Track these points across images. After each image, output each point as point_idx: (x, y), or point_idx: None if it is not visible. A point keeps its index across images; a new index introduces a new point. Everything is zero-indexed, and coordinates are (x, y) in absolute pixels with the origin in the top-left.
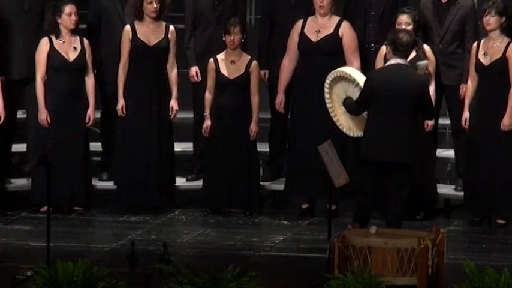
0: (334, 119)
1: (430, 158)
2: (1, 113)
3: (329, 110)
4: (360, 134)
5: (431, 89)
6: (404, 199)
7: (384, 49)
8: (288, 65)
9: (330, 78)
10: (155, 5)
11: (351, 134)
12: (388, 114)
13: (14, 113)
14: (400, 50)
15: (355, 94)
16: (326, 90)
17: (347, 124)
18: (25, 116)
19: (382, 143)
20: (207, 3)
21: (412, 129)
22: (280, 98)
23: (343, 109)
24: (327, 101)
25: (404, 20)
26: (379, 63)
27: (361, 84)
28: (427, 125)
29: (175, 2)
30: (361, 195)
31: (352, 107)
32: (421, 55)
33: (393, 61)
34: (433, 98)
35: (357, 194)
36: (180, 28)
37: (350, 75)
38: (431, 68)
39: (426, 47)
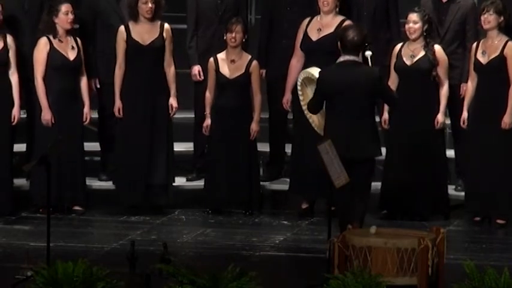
0: (310, 120)
1: (440, 158)
2: (15, 114)
3: (303, 109)
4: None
5: (443, 90)
6: (367, 196)
7: (397, 47)
8: (296, 64)
9: (300, 79)
10: (150, 5)
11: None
12: (343, 110)
13: None
14: (347, 46)
15: None
16: (299, 92)
17: (320, 124)
18: (26, 116)
19: (343, 139)
20: (209, 2)
21: (370, 122)
22: (287, 97)
23: None
24: (302, 103)
25: (412, 19)
26: (392, 63)
27: None
28: (437, 123)
29: (178, 2)
30: (336, 196)
31: (310, 107)
32: (430, 56)
33: (342, 58)
34: (444, 99)
35: (333, 196)
36: (182, 28)
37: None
38: (444, 68)
39: (437, 47)
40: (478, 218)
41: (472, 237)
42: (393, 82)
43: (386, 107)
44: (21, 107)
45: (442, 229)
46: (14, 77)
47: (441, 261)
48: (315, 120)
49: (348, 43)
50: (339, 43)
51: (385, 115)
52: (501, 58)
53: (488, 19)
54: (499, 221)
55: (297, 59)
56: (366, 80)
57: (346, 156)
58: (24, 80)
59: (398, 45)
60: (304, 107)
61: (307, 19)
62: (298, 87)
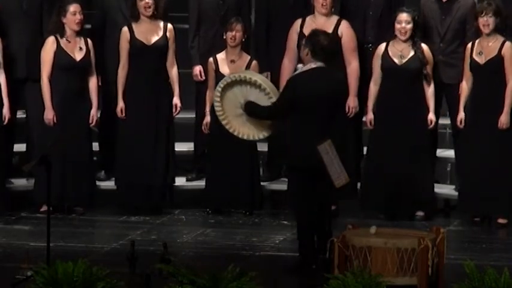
0: (227, 126)
1: (427, 158)
2: (6, 114)
3: (220, 118)
4: (256, 137)
5: (430, 89)
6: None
7: (381, 47)
8: (288, 65)
9: (222, 86)
10: (147, 0)
11: (245, 138)
12: (315, 118)
13: (14, 113)
14: (318, 53)
15: (259, 97)
16: (217, 99)
17: (241, 130)
18: (25, 116)
19: (313, 147)
20: (211, 2)
21: (341, 129)
22: None
23: (237, 113)
24: (217, 108)
25: (404, 18)
26: (375, 63)
27: (264, 85)
28: (431, 122)
29: (180, 1)
30: (302, 204)
31: (262, 111)
32: (420, 55)
33: (313, 65)
34: (432, 98)
35: (298, 205)
36: (184, 28)
37: (250, 78)
38: (429, 68)
39: (424, 46)
40: (478, 218)
41: (472, 237)
42: (376, 83)
43: (370, 107)
44: (20, 108)
45: (442, 229)
46: (1, 77)
47: (441, 261)
48: (236, 128)
49: (320, 49)
50: (306, 49)
51: (370, 115)
52: (499, 58)
53: (488, 22)
54: (500, 221)
55: (289, 59)
56: (339, 86)
57: (316, 165)
58: (20, 80)
59: (382, 46)
60: (222, 117)
61: (299, 20)
62: (217, 97)
